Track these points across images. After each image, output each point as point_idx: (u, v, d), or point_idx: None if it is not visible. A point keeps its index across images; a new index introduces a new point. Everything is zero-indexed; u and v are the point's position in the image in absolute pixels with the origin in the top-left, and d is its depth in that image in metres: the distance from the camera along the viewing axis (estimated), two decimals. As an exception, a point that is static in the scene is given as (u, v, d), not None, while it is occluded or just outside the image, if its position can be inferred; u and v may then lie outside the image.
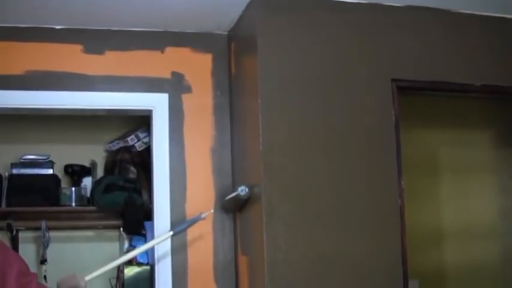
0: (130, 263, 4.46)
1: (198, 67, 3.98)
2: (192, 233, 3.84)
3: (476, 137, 5.45)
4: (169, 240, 3.77)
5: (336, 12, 3.59)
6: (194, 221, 3.70)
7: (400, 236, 3.51)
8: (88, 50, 3.86)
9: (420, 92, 3.89)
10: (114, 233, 5.26)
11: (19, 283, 2.88)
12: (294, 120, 3.41)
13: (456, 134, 5.35)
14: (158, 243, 3.72)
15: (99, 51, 3.88)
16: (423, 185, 5.12)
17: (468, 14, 3.86)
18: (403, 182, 3.58)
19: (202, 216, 3.68)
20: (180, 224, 3.75)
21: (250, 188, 3.49)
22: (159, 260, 3.81)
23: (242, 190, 3.50)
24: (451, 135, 5.33)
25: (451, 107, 5.12)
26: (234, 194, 3.56)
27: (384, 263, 3.46)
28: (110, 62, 3.88)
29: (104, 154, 5.31)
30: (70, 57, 3.83)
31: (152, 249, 3.96)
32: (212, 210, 3.83)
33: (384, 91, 3.60)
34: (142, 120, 3.80)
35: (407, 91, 3.74)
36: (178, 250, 3.82)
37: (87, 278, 3.33)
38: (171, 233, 3.67)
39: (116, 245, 5.28)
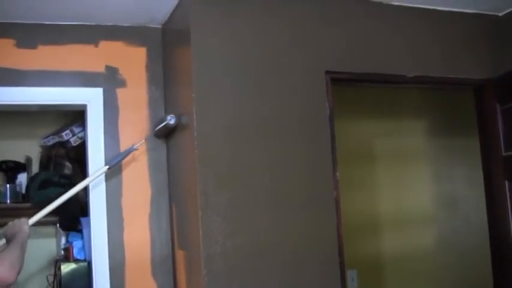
0: (67, 259, 4.42)
1: (132, 61, 3.96)
2: (129, 228, 3.83)
3: (410, 126, 5.58)
4: (106, 236, 3.76)
5: (269, 3, 3.60)
6: (127, 152, 3.77)
7: (336, 227, 3.55)
8: (20, 45, 3.79)
9: (354, 83, 3.94)
10: (50, 229, 5.18)
11: None
12: (228, 111, 3.40)
13: (391, 124, 5.45)
14: (94, 179, 3.71)
15: (32, 46, 3.81)
16: (360, 175, 5.20)
17: (399, 5, 3.93)
18: (338, 174, 3.62)
19: (135, 147, 3.77)
20: (114, 158, 3.76)
21: (178, 116, 3.62)
22: (96, 256, 3.79)
23: (171, 119, 3.63)
24: (386, 125, 5.42)
25: (386, 98, 5.22)
26: (164, 123, 3.67)
27: (320, 254, 3.50)
28: (43, 57, 3.82)
29: (39, 149, 5.21)
30: (2, 52, 3.75)
31: (89, 245, 3.92)
32: (144, 141, 3.88)
33: (318, 83, 3.63)
34: (77, 115, 3.75)
35: (342, 83, 3.78)
36: (115, 246, 3.80)
37: (31, 221, 3.35)
38: (107, 167, 3.70)
39: (53, 241, 5.22)
